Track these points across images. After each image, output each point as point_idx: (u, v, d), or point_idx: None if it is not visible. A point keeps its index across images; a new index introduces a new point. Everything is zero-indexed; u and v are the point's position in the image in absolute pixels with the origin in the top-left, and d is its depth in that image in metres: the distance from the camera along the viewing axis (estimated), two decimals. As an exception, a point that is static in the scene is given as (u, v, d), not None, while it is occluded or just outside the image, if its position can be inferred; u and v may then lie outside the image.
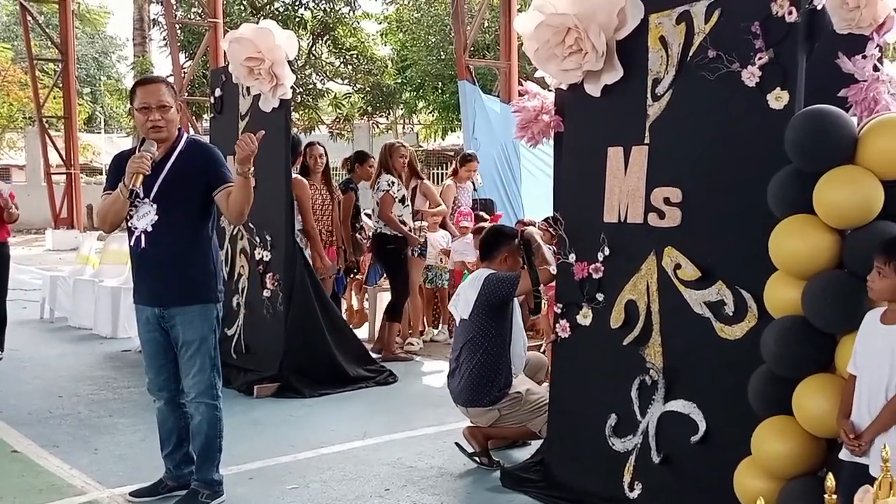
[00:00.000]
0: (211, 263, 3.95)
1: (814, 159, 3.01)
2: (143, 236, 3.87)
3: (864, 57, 3.83)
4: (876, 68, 3.85)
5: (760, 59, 3.39)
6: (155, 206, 3.84)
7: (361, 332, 8.11)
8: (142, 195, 3.85)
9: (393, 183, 7.39)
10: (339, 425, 5.45)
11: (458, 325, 4.92)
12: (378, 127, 29.87)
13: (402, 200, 7.45)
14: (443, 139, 28.81)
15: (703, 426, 3.58)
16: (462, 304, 4.80)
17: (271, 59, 6.10)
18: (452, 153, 27.25)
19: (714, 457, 3.52)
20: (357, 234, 7.82)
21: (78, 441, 5.13)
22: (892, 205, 2.92)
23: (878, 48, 3.90)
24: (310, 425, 5.48)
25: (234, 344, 6.65)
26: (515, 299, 4.81)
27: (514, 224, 8.54)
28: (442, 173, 26.34)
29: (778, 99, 3.35)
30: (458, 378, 4.78)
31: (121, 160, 3.89)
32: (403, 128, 32.40)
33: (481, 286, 4.68)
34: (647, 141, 3.84)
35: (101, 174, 33.06)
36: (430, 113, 27.75)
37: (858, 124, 3.28)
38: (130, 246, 3.97)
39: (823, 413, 2.89)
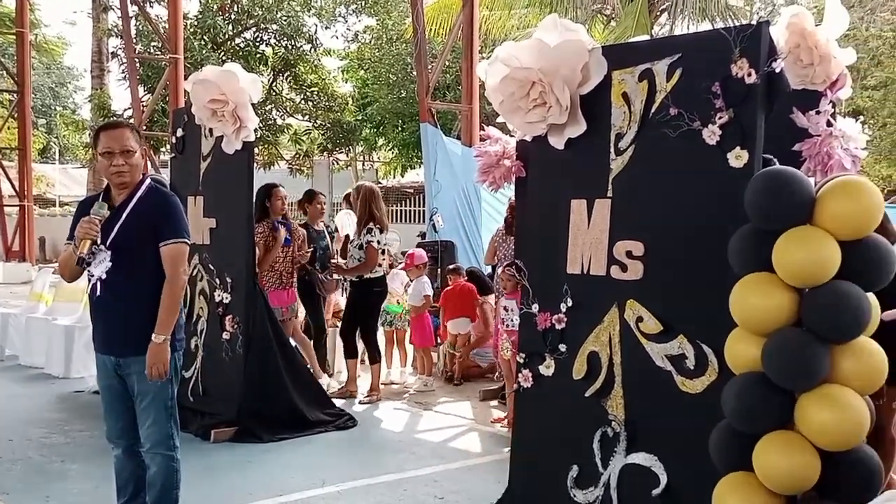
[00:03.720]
0: None
1: (772, 219, 3.08)
2: (98, 284, 3.81)
3: (818, 112, 3.96)
4: (829, 124, 3.97)
5: (721, 118, 3.47)
6: (110, 253, 3.79)
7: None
8: (98, 242, 3.80)
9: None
10: (297, 472, 5.38)
11: None
12: (338, 163, 29.87)
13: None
14: (402, 176, 28.92)
15: (664, 479, 3.62)
16: None
17: (235, 101, 6.09)
18: (412, 190, 27.34)
19: (675, 510, 3.55)
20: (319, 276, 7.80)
21: (29, 488, 5.00)
22: (848, 264, 2.99)
23: (831, 104, 4.03)
24: (268, 471, 5.41)
25: (191, 386, 6.55)
26: None
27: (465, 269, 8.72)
28: (401, 210, 26.42)
29: (738, 157, 3.44)
30: None
31: (84, 208, 3.83)
32: (363, 164, 32.44)
33: None
34: (609, 194, 3.90)
35: (54, 206, 32.61)
36: (390, 150, 27.86)
37: (809, 175, 3.37)
38: (88, 292, 3.91)
39: (783, 470, 2.93)
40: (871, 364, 2.99)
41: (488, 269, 8.63)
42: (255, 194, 6.60)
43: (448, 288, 8.36)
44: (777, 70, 3.44)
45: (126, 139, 3.80)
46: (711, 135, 3.51)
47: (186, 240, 3.85)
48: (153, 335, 3.72)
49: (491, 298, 8.32)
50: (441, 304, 8.35)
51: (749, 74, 3.42)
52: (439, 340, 8.49)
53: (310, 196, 8.22)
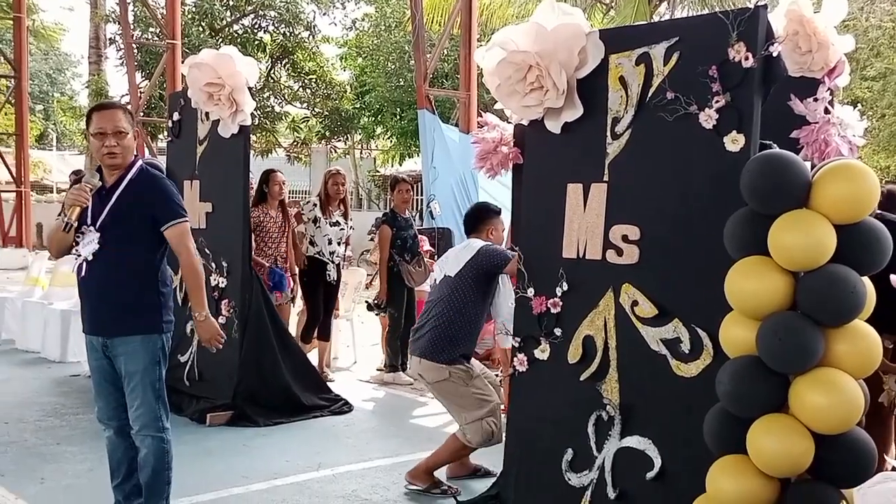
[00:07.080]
0: (156, 294, 3.84)
1: (768, 202, 3.07)
2: (84, 264, 3.80)
3: (816, 100, 3.94)
4: (827, 111, 3.96)
5: (717, 102, 3.46)
6: (98, 234, 3.77)
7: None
8: (88, 223, 3.78)
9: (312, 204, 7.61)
10: (293, 455, 5.39)
11: (437, 283, 4.94)
12: (336, 151, 29.81)
13: (314, 221, 7.52)
14: (400, 164, 28.84)
15: (658, 463, 3.62)
16: (451, 262, 4.87)
17: (231, 85, 6.08)
18: (409, 179, 27.29)
19: (669, 493, 3.56)
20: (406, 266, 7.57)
21: (24, 470, 5.01)
22: (843, 248, 2.98)
23: (829, 91, 4.02)
24: (263, 455, 5.41)
25: (186, 371, 6.56)
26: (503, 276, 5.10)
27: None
28: (399, 199, 26.37)
29: (734, 142, 3.43)
30: (423, 332, 4.82)
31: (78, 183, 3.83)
32: (361, 153, 32.38)
33: (475, 252, 4.77)
34: (606, 178, 3.89)
35: (51, 192, 32.54)
36: (388, 138, 27.80)
37: (808, 164, 3.36)
38: (74, 272, 3.90)
39: (777, 453, 2.94)
40: (865, 347, 2.98)
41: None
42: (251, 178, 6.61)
43: None
44: (774, 54, 3.43)
45: (118, 120, 3.77)
46: (708, 119, 3.50)
47: (186, 217, 3.88)
48: (195, 314, 3.96)
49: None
50: None
51: (746, 58, 3.41)
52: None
53: (392, 183, 7.87)
